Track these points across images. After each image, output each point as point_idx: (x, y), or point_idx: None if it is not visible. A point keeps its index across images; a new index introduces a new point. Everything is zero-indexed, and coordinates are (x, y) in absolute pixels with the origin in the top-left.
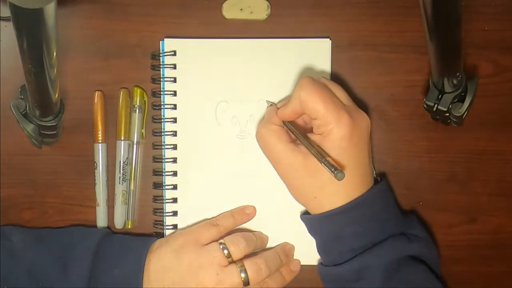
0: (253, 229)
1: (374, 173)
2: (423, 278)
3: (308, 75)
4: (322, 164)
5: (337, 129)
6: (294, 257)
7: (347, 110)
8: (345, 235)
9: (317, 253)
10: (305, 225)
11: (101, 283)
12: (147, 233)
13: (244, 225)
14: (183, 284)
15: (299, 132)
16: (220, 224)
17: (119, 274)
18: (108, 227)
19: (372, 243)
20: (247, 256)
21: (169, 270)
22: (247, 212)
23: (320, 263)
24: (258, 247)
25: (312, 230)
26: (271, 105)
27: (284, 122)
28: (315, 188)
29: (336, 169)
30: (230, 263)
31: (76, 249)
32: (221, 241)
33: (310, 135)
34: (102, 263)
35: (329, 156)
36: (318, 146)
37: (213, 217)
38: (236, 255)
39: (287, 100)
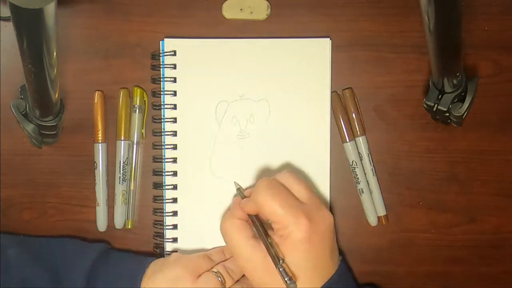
0: None
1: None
2: None
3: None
4: (277, 270)
5: (295, 233)
6: None
7: (306, 211)
8: None
9: None
10: None
11: None
12: (149, 233)
13: None
14: None
15: (261, 227)
16: (213, 259)
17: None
18: (106, 241)
19: None
20: (238, 281)
21: None
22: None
23: None
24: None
25: None
26: (238, 188)
27: (248, 215)
28: (274, 285)
29: (290, 279)
30: None
31: (70, 269)
32: (214, 269)
33: (271, 234)
34: (96, 286)
35: (287, 258)
36: (277, 246)
37: (207, 251)
38: (229, 282)
39: (250, 190)
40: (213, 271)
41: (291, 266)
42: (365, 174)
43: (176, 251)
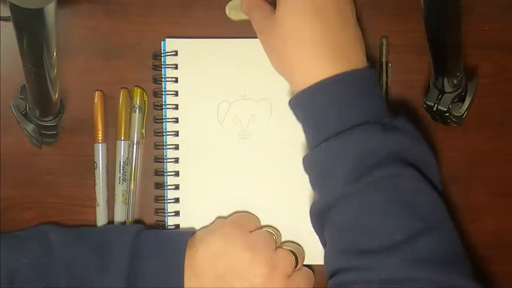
0: None
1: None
2: (401, 185)
3: None
4: None
5: None
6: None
7: None
8: (322, 115)
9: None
10: (296, 105)
11: (140, 277)
12: None
13: None
14: (236, 270)
15: None
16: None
17: (159, 268)
18: (141, 222)
19: (344, 127)
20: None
21: (220, 257)
22: None
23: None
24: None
25: (293, 107)
26: None
27: None
28: (288, 50)
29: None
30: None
31: (113, 245)
32: (265, 229)
33: None
34: (140, 257)
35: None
36: None
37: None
38: (279, 241)
39: None
40: (266, 229)
41: None
42: None
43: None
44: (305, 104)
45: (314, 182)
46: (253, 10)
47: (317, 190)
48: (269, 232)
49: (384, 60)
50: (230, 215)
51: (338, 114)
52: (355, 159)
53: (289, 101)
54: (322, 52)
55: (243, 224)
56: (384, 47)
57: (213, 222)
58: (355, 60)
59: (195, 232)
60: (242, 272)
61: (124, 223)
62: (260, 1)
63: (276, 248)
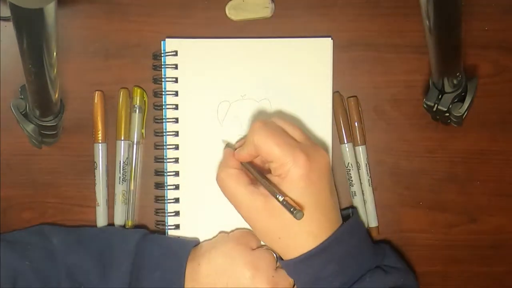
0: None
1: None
2: None
3: (262, 120)
4: (281, 204)
5: (294, 170)
6: None
7: (303, 149)
8: (324, 277)
9: None
10: (284, 269)
11: (142, 286)
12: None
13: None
14: (238, 286)
15: (257, 172)
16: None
17: (160, 277)
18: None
19: (351, 281)
20: None
21: (223, 274)
22: None
23: None
24: None
25: (290, 273)
26: (226, 145)
27: (242, 163)
28: (278, 229)
29: (295, 208)
30: (277, 267)
31: (115, 252)
32: (266, 247)
33: (269, 177)
34: (142, 266)
35: (288, 197)
36: (276, 187)
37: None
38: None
39: (243, 140)
40: (266, 248)
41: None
42: (360, 180)
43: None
44: (309, 264)
45: None
46: (234, 182)
47: None
48: (270, 250)
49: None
50: (232, 231)
51: (348, 266)
52: None
53: (286, 264)
54: (315, 217)
55: (246, 241)
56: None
57: (215, 236)
58: (338, 215)
59: (197, 244)
60: None
61: (124, 224)
62: (240, 173)
63: (277, 267)
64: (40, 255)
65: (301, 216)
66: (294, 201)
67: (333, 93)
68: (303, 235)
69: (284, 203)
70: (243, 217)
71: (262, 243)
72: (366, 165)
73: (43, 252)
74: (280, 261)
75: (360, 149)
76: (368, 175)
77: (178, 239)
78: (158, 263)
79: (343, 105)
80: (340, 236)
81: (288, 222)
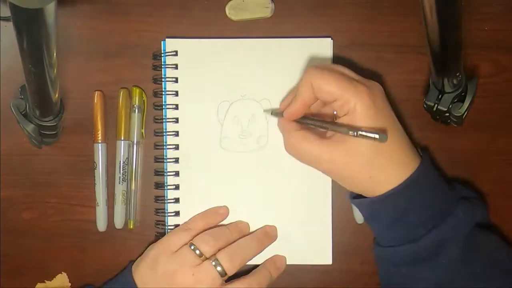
0: (252, 227)
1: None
2: (497, 247)
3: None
4: (361, 135)
5: (360, 102)
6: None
7: (360, 81)
8: (414, 207)
9: (377, 237)
10: (362, 211)
11: None
12: (149, 233)
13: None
14: None
15: (320, 121)
16: (191, 228)
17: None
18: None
19: (442, 212)
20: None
21: (149, 283)
22: (220, 212)
23: (379, 246)
24: (234, 238)
25: (374, 212)
26: (272, 113)
27: (301, 122)
28: (367, 168)
29: (377, 132)
30: (203, 261)
31: None
32: (192, 242)
33: (336, 120)
34: None
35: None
36: (347, 125)
37: (184, 222)
38: (207, 252)
39: (288, 100)
40: (190, 244)
41: None
42: None
43: None
44: (401, 196)
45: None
46: (300, 144)
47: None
48: (191, 248)
49: None
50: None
51: (437, 196)
52: (462, 238)
53: (377, 200)
54: (396, 143)
55: (169, 245)
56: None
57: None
58: (416, 154)
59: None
60: None
61: (124, 223)
62: (302, 133)
63: (201, 262)
64: None
65: (385, 138)
66: (372, 128)
67: None
68: (394, 166)
69: (363, 133)
70: (327, 173)
71: (185, 241)
72: None
73: None
74: (361, 201)
75: None
76: None
77: (117, 276)
78: None
79: None
80: (427, 165)
81: (372, 156)
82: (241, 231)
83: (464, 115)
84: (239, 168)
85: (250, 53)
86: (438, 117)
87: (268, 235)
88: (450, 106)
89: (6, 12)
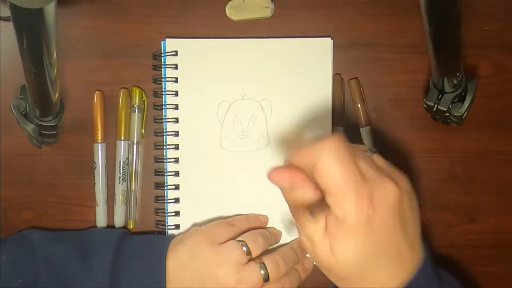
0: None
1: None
2: None
3: (336, 135)
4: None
5: (352, 215)
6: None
7: (369, 184)
8: None
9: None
10: None
11: (123, 274)
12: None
13: None
14: (201, 283)
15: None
16: (236, 225)
17: (141, 266)
18: (125, 227)
19: None
20: (264, 253)
21: (187, 269)
22: (262, 221)
23: None
24: (272, 243)
25: None
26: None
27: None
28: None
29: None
30: (249, 260)
31: (96, 244)
32: (239, 238)
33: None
34: (123, 256)
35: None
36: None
37: (228, 218)
38: (255, 252)
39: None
40: (238, 240)
41: (352, 254)
42: None
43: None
44: None
45: None
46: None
47: None
48: (238, 244)
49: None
50: (205, 223)
51: None
52: None
53: None
54: (387, 268)
55: (213, 234)
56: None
57: (189, 229)
58: (414, 256)
59: (174, 237)
60: (207, 285)
61: (124, 223)
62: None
63: (248, 262)
64: (17, 250)
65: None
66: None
67: (334, 75)
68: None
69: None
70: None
71: (231, 235)
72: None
73: (21, 247)
74: None
75: (364, 131)
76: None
77: (159, 235)
78: (138, 253)
79: (342, 89)
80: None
81: (349, 276)
82: (278, 238)
83: (464, 115)
84: (239, 168)
85: (250, 53)
86: (438, 117)
87: (302, 249)
88: (450, 106)
89: (6, 12)
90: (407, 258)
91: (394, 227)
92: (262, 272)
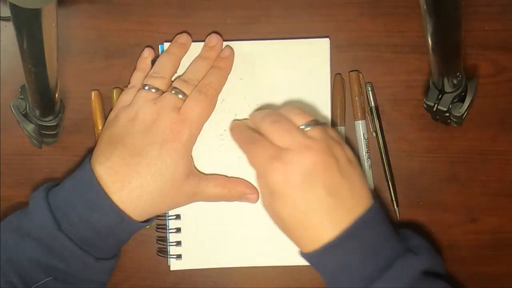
0: (251, 227)
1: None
2: None
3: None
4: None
5: (268, 181)
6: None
7: (277, 154)
8: (353, 264)
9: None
10: (309, 263)
11: (61, 203)
12: (149, 235)
13: (244, 222)
14: (126, 131)
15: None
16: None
17: (72, 183)
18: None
19: (381, 267)
20: None
21: (113, 157)
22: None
23: None
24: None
25: (317, 266)
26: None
27: None
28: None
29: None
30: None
31: (26, 213)
32: (144, 84)
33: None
34: (55, 190)
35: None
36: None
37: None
38: (162, 86)
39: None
40: (170, 91)
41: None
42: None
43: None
44: (339, 251)
45: None
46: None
47: None
48: (145, 89)
49: (373, 105)
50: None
51: (377, 252)
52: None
53: (310, 254)
54: (326, 214)
55: (120, 105)
56: (370, 93)
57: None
58: (359, 203)
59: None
60: (135, 130)
61: None
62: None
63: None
64: None
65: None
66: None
67: (336, 75)
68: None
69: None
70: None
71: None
72: (363, 140)
73: None
74: (302, 254)
75: (360, 124)
76: (366, 151)
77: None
78: (67, 180)
79: (343, 88)
80: (363, 223)
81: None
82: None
83: (464, 115)
84: (239, 168)
85: (248, 54)
86: (438, 117)
87: (214, 46)
88: (450, 106)
89: (6, 12)
90: (348, 205)
91: (315, 188)
92: (173, 91)
